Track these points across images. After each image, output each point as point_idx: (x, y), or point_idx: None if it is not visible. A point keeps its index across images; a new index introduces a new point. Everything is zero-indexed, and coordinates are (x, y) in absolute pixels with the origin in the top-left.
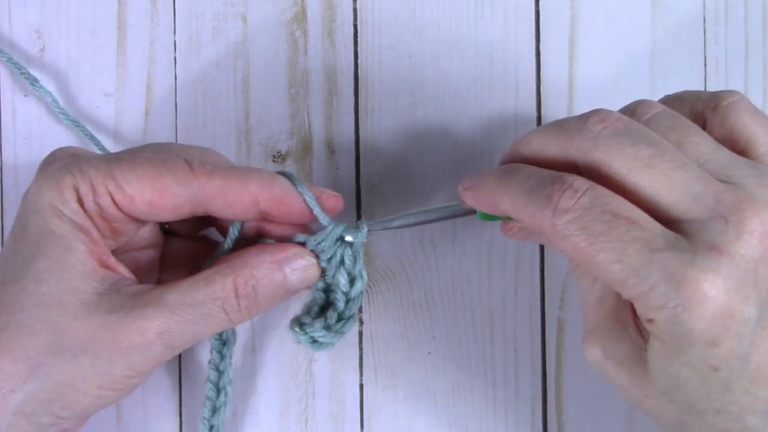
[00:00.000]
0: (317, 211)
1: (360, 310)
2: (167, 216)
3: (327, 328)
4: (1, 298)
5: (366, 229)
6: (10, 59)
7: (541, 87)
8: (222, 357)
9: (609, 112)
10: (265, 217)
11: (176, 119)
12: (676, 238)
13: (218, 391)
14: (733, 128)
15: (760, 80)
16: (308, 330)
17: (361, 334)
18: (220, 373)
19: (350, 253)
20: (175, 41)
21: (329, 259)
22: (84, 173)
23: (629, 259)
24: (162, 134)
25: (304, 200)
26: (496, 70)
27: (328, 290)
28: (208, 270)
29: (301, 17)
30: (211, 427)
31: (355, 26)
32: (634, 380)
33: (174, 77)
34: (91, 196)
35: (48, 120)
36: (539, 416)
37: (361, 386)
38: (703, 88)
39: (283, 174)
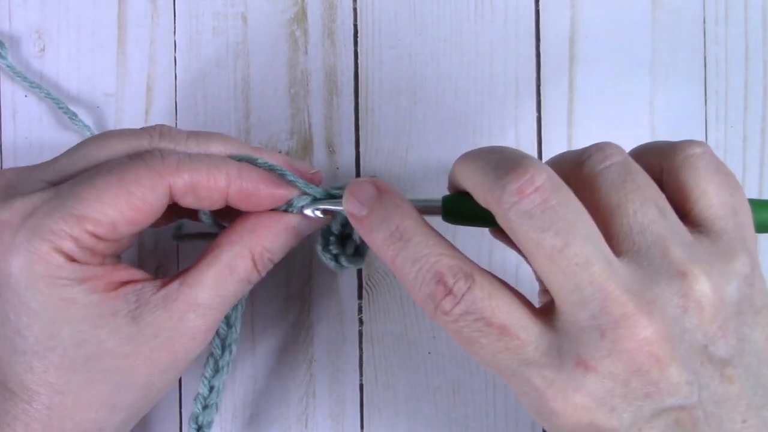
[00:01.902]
0: (303, 187)
1: (360, 310)
2: (148, 222)
3: (349, 256)
4: (46, 365)
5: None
6: (48, 94)
7: (541, 86)
8: (234, 308)
9: (530, 179)
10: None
11: (176, 119)
12: (548, 347)
13: (224, 348)
14: (685, 184)
15: (760, 80)
16: (341, 261)
17: (361, 334)
18: (229, 327)
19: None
20: (175, 41)
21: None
22: (56, 232)
23: (500, 367)
24: None
25: (283, 184)
26: (496, 70)
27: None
28: (224, 252)
29: (301, 17)
30: (212, 388)
31: (355, 26)
32: None
33: (174, 77)
34: (75, 246)
35: (48, 120)
36: None
37: (361, 386)
38: (703, 89)
39: (250, 160)
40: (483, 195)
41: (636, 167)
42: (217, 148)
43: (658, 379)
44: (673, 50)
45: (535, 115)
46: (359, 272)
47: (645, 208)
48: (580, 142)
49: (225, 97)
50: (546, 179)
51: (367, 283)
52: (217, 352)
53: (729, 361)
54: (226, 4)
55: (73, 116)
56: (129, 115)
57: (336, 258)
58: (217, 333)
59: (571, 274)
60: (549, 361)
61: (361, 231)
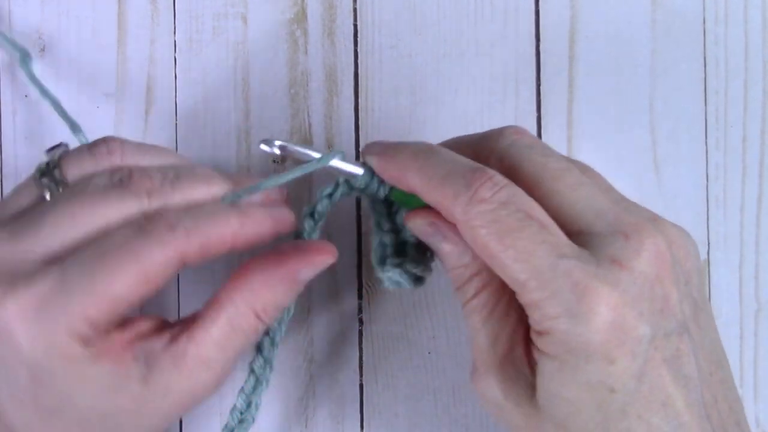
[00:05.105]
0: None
1: (360, 310)
2: (158, 290)
3: (413, 261)
4: (64, 423)
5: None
6: (65, 114)
7: (541, 87)
8: (279, 327)
9: (523, 128)
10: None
11: (176, 119)
12: (580, 249)
13: (265, 365)
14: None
15: (760, 80)
16: (409, 268)
17: (361, 334)
18: (274, 346)
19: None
20: (175, 41)
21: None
22: (75, 317)
23: (536, 260)
24: (162, 134)
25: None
26: (496, 70)
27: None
28: (226, 309)
29: (301, 17)
30: (249, 403)
31: (355, 26)
32: (530, 420)
33: (174, 77)
34: (91, 330)
35: (48, 120)
36: None
37: (361, 386)
38: (703, 88)
39: (249, 191)
40: (478, 145)
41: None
42: (202, 191)
43: (668, 293)
44: (673, 50)
45: (535, 115)
46: (359, 272)
47: (600, 175)
48: (580, 142)
49: (225, 97)
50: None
51: (367, 283)
52: (259, 370)
53: (697, 309)
54: (226, 4)
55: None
56: (129, 115)
57: (401, 266)
58: (260, 351)
59: (578, 189)
60: (586, 258)
61: (383, 162)
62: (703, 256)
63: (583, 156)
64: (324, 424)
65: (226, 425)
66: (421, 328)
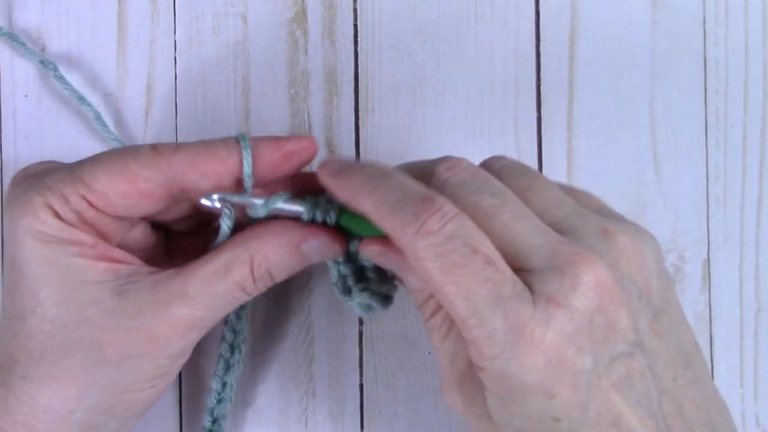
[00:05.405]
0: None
1: None
2: (147, 206)
3: (377, 283)
4: (26, 329)
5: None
6: (89, 106)
7: (541, 87)
8: (239, 318)
9: (457, 160)
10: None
11: (176, 119)
12: (523, 287)
13: (233, 350)
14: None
15: (760, 80)
16: (373, 288)
17: (361, 334)
18: (235, 333)
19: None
20: (175, 41)
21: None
22: (50, 187)
23: (477, 299)
24: (162, 134)
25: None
26: (496, 70)
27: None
28: (225, 252)
29: (301, 17)
30: (224, 384)
31: (355, 26)
32: None
33: (174, 77)
34: (66, 206)
35: (48, 120)
36: None
37: (361, 386)
38: (703, 89)
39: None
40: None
41: (527, 166)
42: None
43: (613, 318)
44: (673, 50)
45: (535, 115)
46: None
47: (551, 188)
48: (580, 143)
49: (225, 97)
50: (468, 163)
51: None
52: (226, 354)
53: (658, 315)
54: (226, 4)
55: (115, 138)
56: (129, 115)
57: (368, 289)
58: (224, 338)
59: (514, 225)
60: (524, 298)
61: (337, 183)
62: (703, 256)
63: (583, 156)
64: (324, 424)
65: (208, 406)
66: (421, 328)
